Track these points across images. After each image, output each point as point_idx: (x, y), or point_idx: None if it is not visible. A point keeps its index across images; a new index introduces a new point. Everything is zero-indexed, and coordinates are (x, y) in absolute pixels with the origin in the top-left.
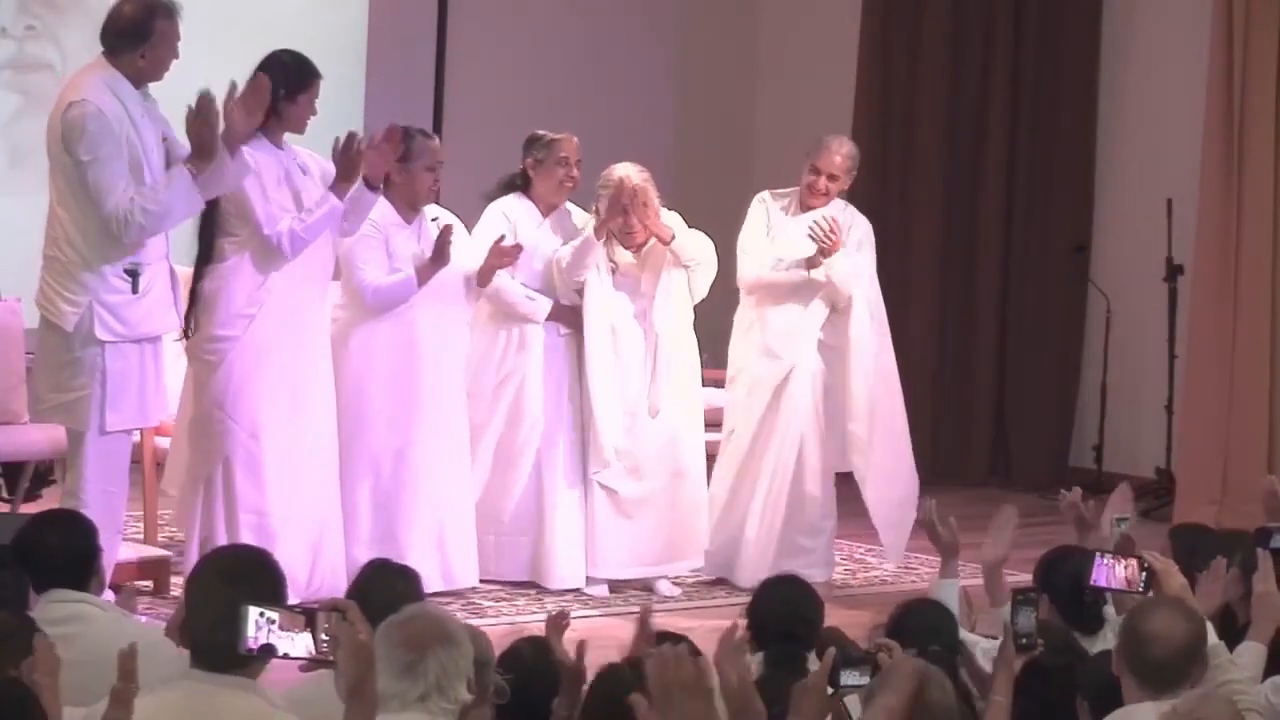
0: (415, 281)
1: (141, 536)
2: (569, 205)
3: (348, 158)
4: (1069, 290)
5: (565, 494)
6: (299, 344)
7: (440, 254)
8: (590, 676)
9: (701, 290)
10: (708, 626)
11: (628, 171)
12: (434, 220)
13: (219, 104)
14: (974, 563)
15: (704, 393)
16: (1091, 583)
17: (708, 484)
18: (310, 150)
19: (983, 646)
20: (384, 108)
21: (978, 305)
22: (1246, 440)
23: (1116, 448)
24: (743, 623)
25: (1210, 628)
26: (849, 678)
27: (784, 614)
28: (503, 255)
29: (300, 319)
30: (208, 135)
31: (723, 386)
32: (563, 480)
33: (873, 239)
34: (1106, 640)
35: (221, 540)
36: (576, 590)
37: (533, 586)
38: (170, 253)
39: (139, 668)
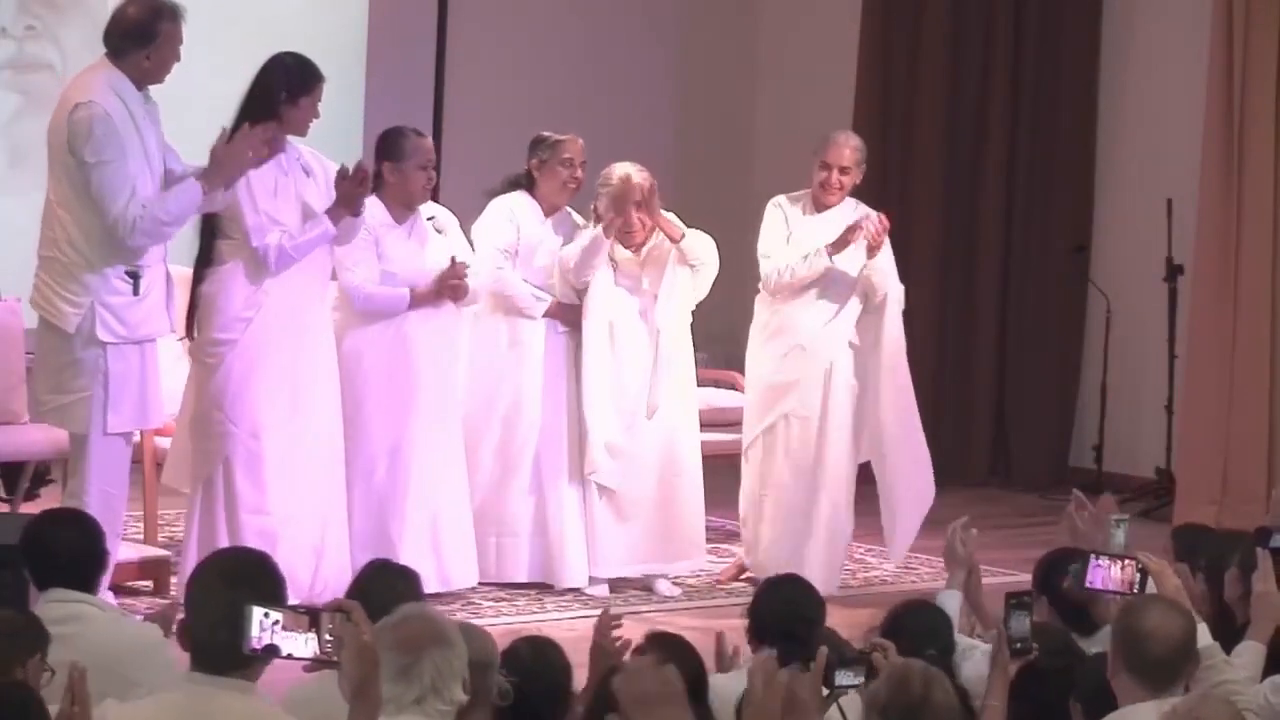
0: (407, 302)
1: (141, 536)
2: (567, 209)
3: (349, 189)
4: (1069, 290)
5: (567, 493)
6: (299, 345)
7: (441, 292)
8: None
9: (704, 290)
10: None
11: (629, 170)
12: (430, 219)
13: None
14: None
15: (701, 392)
16: (1087, 585)
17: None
18: (313, 150)
19: (983, 649)
20: (384, 108)
21: (978, 305)
22: (1246, 440)
23: (1116, 448)
24: (742, 623)
25: (1205, 628)
26: (843, 678)
27: (785, 613)
28: (443, 283)
29: (300, 320)
30: (235, 169)
31: (722, 386)
32: (564, 479)
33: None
34: (1104, 643)
35: (221, 541)
36: (577, 590)
37: (534, 587)
38: (167, 255)
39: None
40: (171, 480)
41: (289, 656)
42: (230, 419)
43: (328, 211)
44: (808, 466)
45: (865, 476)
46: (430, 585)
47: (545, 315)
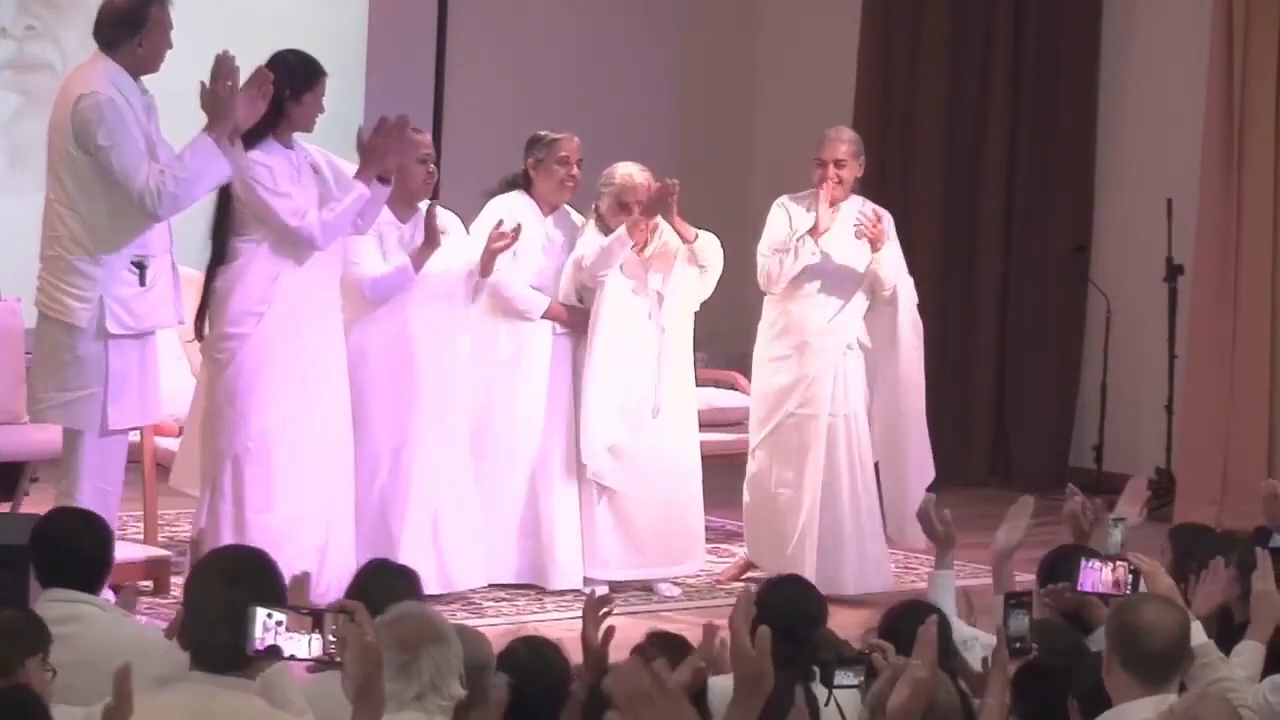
0: (411, 269)
1: (141, 536)
2: (568, 207)
3: (377, 141)
4: (1069, 290)
5: (561, 494)
6: (310, 343)
7: (431, 237)
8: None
9: (708, 291)
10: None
11: (631, 170)
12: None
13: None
14: (976, 562)
15: (701, 392)
16: (1079, 588)
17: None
18: (321, 148)
19: (984, 642)
20: (384, 108)
21: (978, 305)
22: (1246, 440)
23: (1116, 448)
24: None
25: (1199, 626)
26: (842, 678)
27: (787, 613)
28: (502, 238)
29: (312, 319)
30: (225, 94)
31: (722, 386)
32: (559, 481)
33: (894, 230)
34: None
35: (226, 540)
36: (577, 590)
37: (534, 588)
38: (172, 246)
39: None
40: (180, 483)
41: (292, 657)
42: (241, 415)
43: (357, 175)
44: (816, 466)
45: None
46: (433, 586)
47: (544, 316)
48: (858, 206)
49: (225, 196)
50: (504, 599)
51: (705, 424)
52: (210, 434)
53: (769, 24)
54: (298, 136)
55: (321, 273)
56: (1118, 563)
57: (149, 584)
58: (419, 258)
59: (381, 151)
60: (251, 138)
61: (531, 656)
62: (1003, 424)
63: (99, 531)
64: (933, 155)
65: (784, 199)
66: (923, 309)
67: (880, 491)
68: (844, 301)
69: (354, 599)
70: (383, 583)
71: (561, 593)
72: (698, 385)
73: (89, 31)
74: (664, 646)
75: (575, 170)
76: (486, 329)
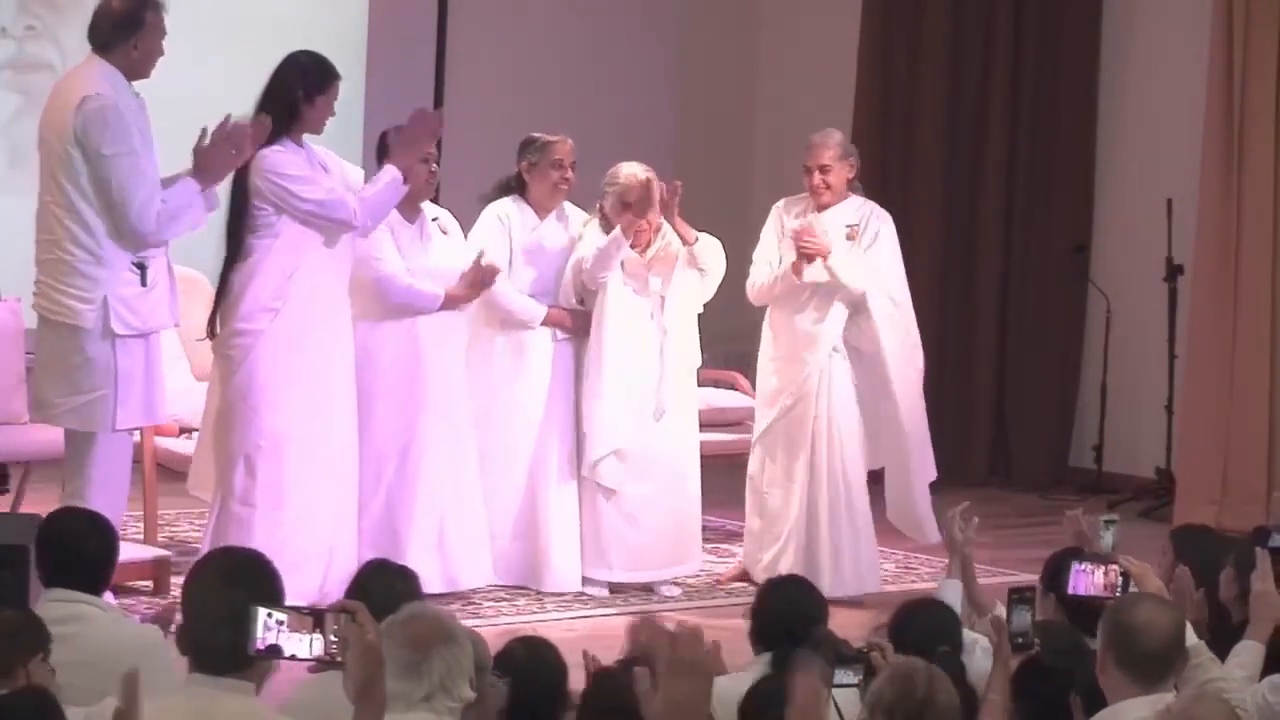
0: (440, 301)
1: (141, 537)
2: (572, 206)
3: (414, 132)
4: (1069, 290)
5: (560, 499)
6: (321, 341)
7: (474, 290)
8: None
9: (710, 293)
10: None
11: (645, 173)
12: (434, 220)
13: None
14: (976, 563)
15: (701, 392)
16: (1070, 591)
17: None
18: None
19: (983, 645)
20: (384, 108)
21: (978, 305)
22: (1246, 440)
23: (1116, 448)
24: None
25: (1189, 628)
26: (841, 676)
27: (789, 614)
28: (475, 286)
29: (324, 317)
30: (224, 157)
31: (722, 386)
32: (558, 485)
33: (892, 233)
34: None
35: (234, 538)
36: (577, 590)
37: (530, 590)
38: (169, 247)
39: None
40: (197, 488)
41: (293, 657)
42: (253, 411)
43: (392, 160)
44: (801, 471)
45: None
46: (437, 585)
47: (544, 323)
48: (856, 208)
49: (241, 196)
50: (504, 599)
51: (705, 424)
52: (222, 431)
53: (769, 24)
54: (305, 138)
55: (334, 270)
56: (1109, 565)
57: (149, 584)
58: (452, 301)
59: (415, 142)
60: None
61: (529, 657)
62: (1003, 424)
63: (105, 532)
64: (933, 155)
65: (780, 203)
66: (923, 309)
67: (886, 494)
68: (828, 307)
69: (354, 599)
70: (383, 583)
71: (561, 593)
72: (698, 385)
73: None
74: None
75: (569, 173)
76: (486, 335)
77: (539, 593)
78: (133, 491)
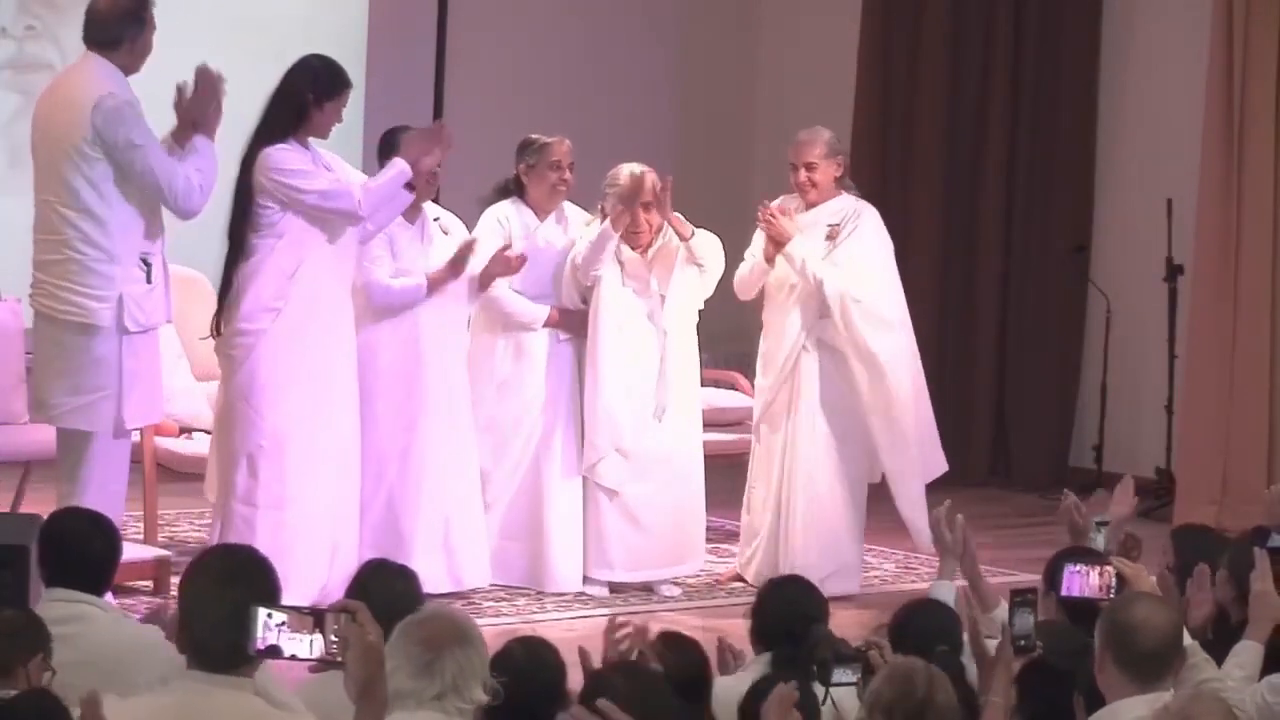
0: (425, 289)
1: (141, 537)
2: (573, 206)
3: (423, 140)
4: (1069, 290)
5: (562, 499)
6: (323, 340)
7: (457, 266)
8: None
9: (709, 290)
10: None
11: (640, 169)
12: (436, 220)
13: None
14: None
15: (702, 392)
16: (1064, 593)
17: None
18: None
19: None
20: (384, 108)
21: (978, 305)
22: (1246, 440)
23: (1116, 448)
24: (744, 623)
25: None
26: (840, 675)
27: (789, 614)
28: (506, 265)
29: (326, 317)
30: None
31: (722, 386)
32: (560, 485)
33: (875, 223)
34: None
35: (237, 536)
36: (577, 590)
37: (530, 590)
38: (164, 244)
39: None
40: (213, 493)
41: (293, 657)
42: (255, 411)
43: (400, 154)
44: (777, 468)
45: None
46: (441, 585)
47: (545, 325)
48: (839, 207)
49: (244, 195)
50: (504, 599)
51: (706, 423)
52: (225, 430)
53: (769, 24)
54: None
55: (336, 270)
56: (1103, 567)
57: (149, 584)
58: (437, 281)
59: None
60: (269, 139)
61: (528, 657)
62: (1003, 424)
63: (108, 533)
64: (933, 155)
65: (775, 202)
66: (923, 309)
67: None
68: (797, 309)
69: (354, 598)
70: (383, 582)
71: (561, 593)
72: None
73: None
74: (673, 647)
75: (567, 174)
76: (487, 339)
77: (539, 593)
78: (133, 491)
